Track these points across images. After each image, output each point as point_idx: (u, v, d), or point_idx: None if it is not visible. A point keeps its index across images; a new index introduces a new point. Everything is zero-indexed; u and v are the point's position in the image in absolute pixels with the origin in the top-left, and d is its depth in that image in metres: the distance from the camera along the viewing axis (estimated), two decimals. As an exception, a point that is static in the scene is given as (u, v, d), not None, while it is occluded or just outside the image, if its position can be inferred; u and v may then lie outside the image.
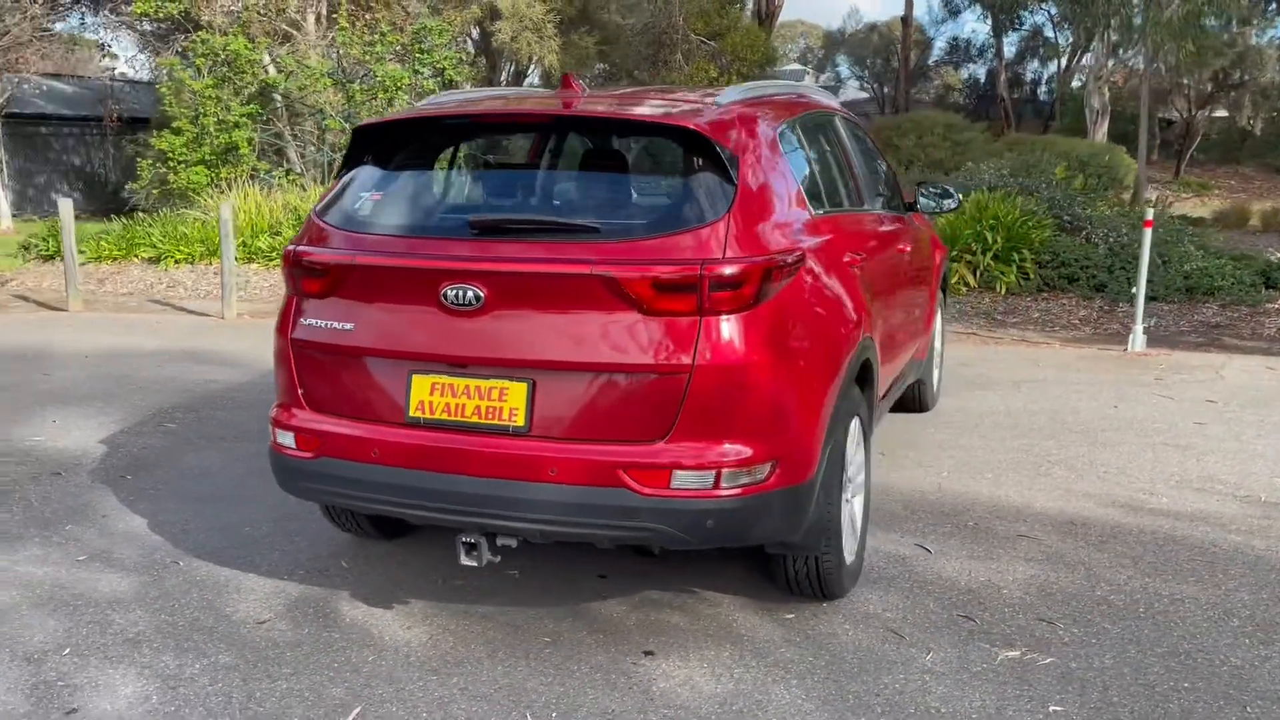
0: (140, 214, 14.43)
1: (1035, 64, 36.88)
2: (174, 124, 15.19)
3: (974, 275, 10.67)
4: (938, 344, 6.35)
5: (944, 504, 4.65)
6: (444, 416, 3.14)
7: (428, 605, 3.65)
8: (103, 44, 25.97)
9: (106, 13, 22.60)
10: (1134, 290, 8.52)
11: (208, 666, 3.21)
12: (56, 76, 24.37)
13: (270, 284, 11.85)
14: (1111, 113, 24.16)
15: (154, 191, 15.92)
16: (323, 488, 3.40)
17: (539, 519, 3.07)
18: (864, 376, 3.80)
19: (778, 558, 3.49)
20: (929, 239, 5.87)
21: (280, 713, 2.97)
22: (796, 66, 45.27)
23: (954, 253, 10.65)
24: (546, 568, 3.92)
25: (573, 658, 3.27)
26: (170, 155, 15.05)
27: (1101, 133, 22.93)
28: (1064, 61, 33.29)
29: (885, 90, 37.07)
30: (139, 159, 16.47)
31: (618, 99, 4.00)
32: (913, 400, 6.03)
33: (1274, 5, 23.35)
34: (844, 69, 42.78)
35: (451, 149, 3.82)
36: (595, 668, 3.21)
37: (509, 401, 3.08)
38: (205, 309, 10.77)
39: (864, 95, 39.48)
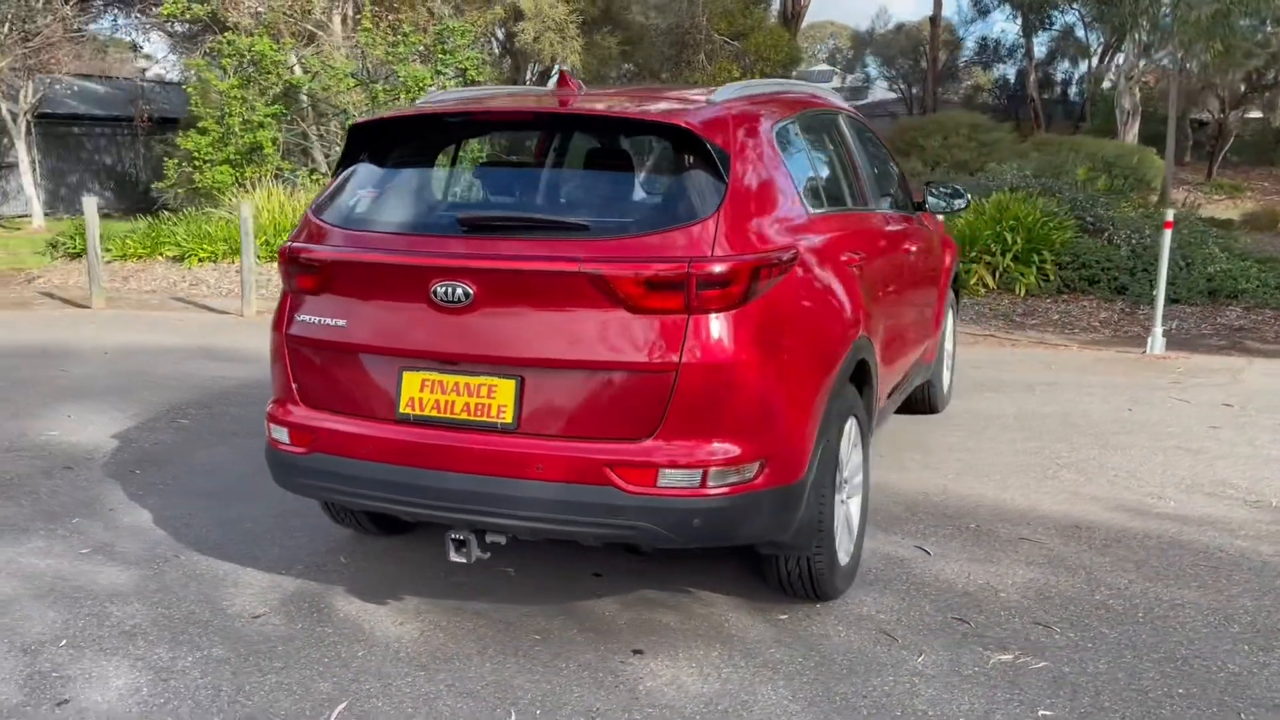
0: (166, 213, 14.62)
1: (1066, 64, 36.41)
2: (200, 124, 15.37)
3: (993, 276, 10.57)
4: (948, 345, 6.29)
5: (948, 506, 4.61)
6: (434, 413, 3.15)
7: (422, 601, 3.66)
8: (135, 45, 26.30)
9: (137, 14, 22.88)
10: (1155, 292, 8.42)
11: (200, 659, 3.24)
12: (88, 77, 24.64)
13: (291, 282, 11.93)
14: (1143, 113, 23.78)
15: (180, 191, 16.11)
16: (316, 483, 3.42)
17: (526, 516, 3.07)
18: (861, 377, 3.78)
19: (770, 558, 3.47)
20: (939, 239, 5.81)
21: (268, 706, 2.99)
22: (825, 67, 45.08)
23: (973, 254, 10.57)
24: (542, 565, 3.92)
25: (561, 655, 3.27)
26: (196, 155, 15.22)
27: (1132, 134, 22.61)
28: (1094, 61, 32.88)
29: (914, 91, 36.76)
30: (166, 158, 16.67)
31: (613, 97, 4.00)
32: (922, 402, 5.98)
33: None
34: (872, 69, 42.50)
35: (447, 147, 3.83)
36: (583, 665, 3.21)
37: (497, 398, 3.09)
38: (226, 307, 10.88)
39: (892, 96, 39.18)
